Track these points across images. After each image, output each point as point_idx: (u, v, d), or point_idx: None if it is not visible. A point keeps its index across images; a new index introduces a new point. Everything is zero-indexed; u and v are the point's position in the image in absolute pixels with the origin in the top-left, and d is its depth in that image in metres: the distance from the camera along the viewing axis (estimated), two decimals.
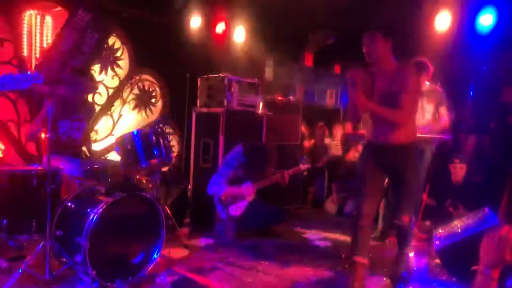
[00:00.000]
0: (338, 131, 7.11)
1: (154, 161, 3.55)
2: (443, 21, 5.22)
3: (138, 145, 3.50)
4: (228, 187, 4.48)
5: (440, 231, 4.00)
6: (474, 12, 5.03)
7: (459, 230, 3.80)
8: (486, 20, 4.93)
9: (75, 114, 3.92)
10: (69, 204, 3.24)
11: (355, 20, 6.32)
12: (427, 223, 4.75)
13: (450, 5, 5.18)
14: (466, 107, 6.18)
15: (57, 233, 3.12)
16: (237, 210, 4.53)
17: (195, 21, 6.11)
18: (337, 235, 4.84)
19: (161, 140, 3.61)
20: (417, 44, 5.44)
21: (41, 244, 3.01)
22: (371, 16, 6.02)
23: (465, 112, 5.95)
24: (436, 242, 3.85)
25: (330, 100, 9.30)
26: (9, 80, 2.71)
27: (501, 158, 4.90)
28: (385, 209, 4.80)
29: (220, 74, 5.02)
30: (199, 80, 5.18)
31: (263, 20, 6.46)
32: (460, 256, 3.57)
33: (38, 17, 4.99)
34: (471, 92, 6.40)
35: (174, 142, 6.38)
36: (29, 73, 2.68)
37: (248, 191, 4.58)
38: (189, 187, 5.12)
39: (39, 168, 3.35)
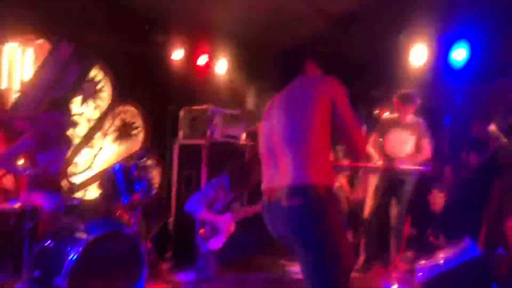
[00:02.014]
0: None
1: (136, 196, 3.52)
2: (418, 55, 5.39)
3: (120, 180, 3.47)
4: (206, 210, 4.36)
5: (422, 262, 4.03)
6: (448, 47, 5.21)
7: (442, 262, 3.83)
8: (460, 54, 5.11)
9: (53, 147, 3.87)
10: (48, 242, 3.16)
11: (334, 51, 6.52)
12: (410, 253, 4.79)
13: (424, 40, 5.36)
14: (443, 138, 6.33)
15: (35, 273, 3.03)
16: (216, 243, 4.46)
17: (177, 53, 6.16)
18: None
19: (142, 174, 3.59)
20: (392, 75, 5.60)
21: (18, 286, 2.92)
22: (348, 48, 6.24)
23: (442, 143, 6.10)
24: (419, 274, 3.86)
25: None
26: None
27: (477, 189, 5.01)
28: (366, 240, 4.82)
29: (203, 106, 5.04)
30: (181, 111, 5.19)
31: (245, 52, 6.57)
32: (443, 287, 3.59)
33: (19, 49, 4.96)
34: (447, 123, 6.57)
35: (155, 174, 6.32)
36: None
37: (227, 223, 4.50)
38: (171, 220, 5.05)
39: (17, 206, 3.28)
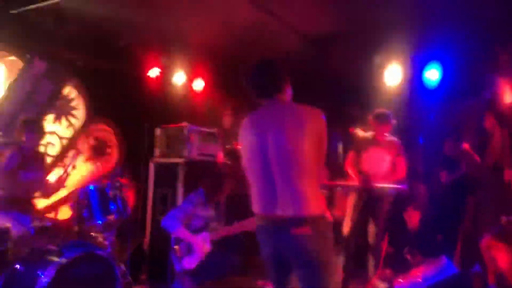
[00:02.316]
0: None
1: (110, 216, 3.42)
2: (392, 75, 5.51)
3: (94, 200, 3.38)
4: (183, 227, 4.24)
5: (400, 280, 4.05)
6: (421, 67, 5.36)
7: (420, 280, 3.86)
8: (433, 75, 5.26)
9: (31, 165, 3.76)
10: (18, 266, 3.02)
11: (309, 71, 6.61)
12: (387, 271, 4.80)
13: (398, 60, 5.50)
14: (418, 157, 6.46)
15: None
16: (191, 263, 4.35)
17: (153, 71, 6.11)
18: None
19: (118, 195, 3.50)
20: (369, 95, 5.70)
21: None
22: (324, 67, 6.34)
23: (416, 161, 6.21)
24: None
25: None
26: None
27: (451, 207, 5.10)
28: (345, 258, 4.81)
29: (179, 124, 4.99)
30: (157, 130, 5.12)
31: (222, 70, 6.58)
32: None
33: None
34: (421, 142, 6.71)
35: (130, 194, 6.19)
36: None
37: (203, 243, 4.40)
38: (145, 240, 4.93)
39: None
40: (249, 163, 2.37)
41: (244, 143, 2.39)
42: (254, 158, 2.31)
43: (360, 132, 5.47)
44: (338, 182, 5.16)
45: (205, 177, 4.38)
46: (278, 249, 2.30)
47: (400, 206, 5.02)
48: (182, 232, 4.17)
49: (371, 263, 4.75)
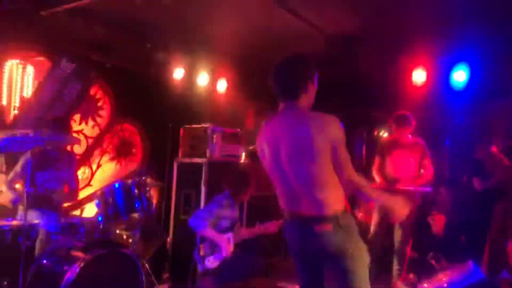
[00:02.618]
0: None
1: (135, 214, 3.46)
2: (419, 76, 5.42)
3: (120, 198, 3.42)
4: (209, 227, 4.27)
5: (425, 285, 3.97)
6: (449, 69, 5.25)
7: (445, 285, 3.77)
8: (460, 76, 5.15)
9: (52, 165, 3.83)
10: (44, 261, 3.10)
11: (336, 72, 6.56)
12: (411, 276, 4.72)
13: (425, 61, 5.40)
14: (444, 159, 6.33)
15: None
16: (213, 262, 4.37)
17: (177, 72, 6.17)
18: None
19: (143, 193, 3.54)
20: (395, 97, 5.62)
21: None
22: (351, 69, 6.28)
23: (442, 164, 6.08)
24: None
25: None
26: (12, 142, 2.70)
27: (478, 212, 4.97)
28: (369, 261, 4.74)
29: (203, 124, 5.03)
30: (181, 130, 5.17)
31: (245, 71, 6.59)
32: None
33: (20, 66, 4.96)
34: (447, 144, 6.58)
35: (154, 193, 6.26)
36: (31, 135, 2.66)
37: (226, 244, 4.42)
38: (168, 239, 4.97)
39: (14, 223, 3.21)
40: (268, 170, 2.48)
41: (260, 151, 2.49)
42: (271, 167, 2.42)
43: (384, 136, 5.40)
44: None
45: (230, 177, 4.39)
46: (304, 244, 2.39)
47: (425, 210, 4.93)
48: (208, 232, 4.21)
49: (395, 267, 4.68)
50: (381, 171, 4.75)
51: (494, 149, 4.48)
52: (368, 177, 4.96)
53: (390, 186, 4.55)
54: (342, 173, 2.31)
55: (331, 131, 2.26)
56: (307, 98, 2.40)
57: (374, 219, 4.72)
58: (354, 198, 6.15)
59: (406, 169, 4.63)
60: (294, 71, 2.39)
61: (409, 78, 5.45)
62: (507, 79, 4.72)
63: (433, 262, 4.79)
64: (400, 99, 5.54)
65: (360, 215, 5.92)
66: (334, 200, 2.29)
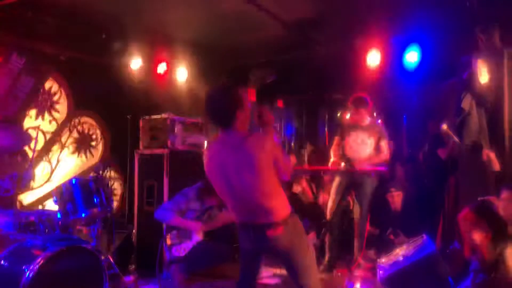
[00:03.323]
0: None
1: (94, 210, 3.46)
2: (373, 58, 5.56)
3: (77, 194, 3.41)
4: (176, 216, 4.31)
5: (383, 260, 4.14)
6: (402, 50, 5.40)
7: (401, 258, 3.95)
8: (412, 57, 5.31)
9: (7, 165, 3.76)
10: (2, 262, 3.06)
11: (294, 57, 6.63)
12: (372, 252, 4.91)
13: (379, 44, 5.54)
14: (401, 138, 6.53)
15: None
16: (181, 251, 4.42)
17: (135, 62, 6.09)
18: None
19: (101, 188, 3.53)
20: (350, 79, 5.75)
21: None
22: (307, 53, 6.36)
23: (400, 142, 6.29)
24: (380, 272, 3.97)
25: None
26: None
27: (433, 186, 5.19)
28: (331, 240, 4.90)
29: (162, 115, 5.00)
30: (141, 121, 5.14)
31: (205, 59, 6.57)
32: (403, 283, 3.71)
33: None
34: (405, 123, 6.79)
35: (116, 185, 6.22)
36: None
37: (196, 228, 4.47)
38: (134, 231, 4.98)
39: None
40: (218, 189, 2.72)
41: (208, 173, 2.72)
42: (221, 186, 2.66)
43: (344, 117, 5.54)
44: (321, 167, 5.23)
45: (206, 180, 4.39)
46: (256, 248, 2.71)
47: (383, 188, 5.11)
48: (176, 220, 4.23)
49: (355, 244, 4.86)
50: (339, 151, 4.89)
51: (444, 126, 4.67)
52: (329, 158, 5.11)
53: (348, 166, 4.70)
54: (286, 172, 2.62)
55: (268, 147, 2.52)
56: (240, 123, 2.59)
57: (332, 199, 4.87)
58: (319, 181, 6.32)
59: (363, 150, 4.78)
60: (221, 106, 2.57)
61: (363, 60, 5.58)
62: (455, 58, 4.89)
63: (391, 237, 4.98)
64: (357, 81, 5.68)
65: (323, 196, 6.07)
66: (281, 207, 2.61)
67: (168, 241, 4.34)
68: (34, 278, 2.83)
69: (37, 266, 2.87)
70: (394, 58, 5.52)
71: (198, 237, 4.50)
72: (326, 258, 4.86)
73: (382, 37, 5.46)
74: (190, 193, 4.37)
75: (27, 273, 2.84)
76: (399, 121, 6.76)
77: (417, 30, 5.27)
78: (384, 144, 4.82)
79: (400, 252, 4.11)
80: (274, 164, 2.54)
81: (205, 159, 2.71)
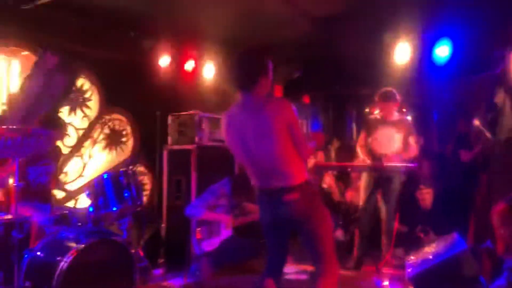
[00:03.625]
0: (310, 160, 7.20)
1: (125, 204, 3.54)
2: (402, 53, 5.47)
3: (109, 189, 3.49)
4: (207, 211, 4.40)
5: (412, 258, 4.09)
6: (431, 44, 5.29)
7: (430, 256, 3.89)
8: (443, 51, 5.19)
9: (44, 159, 3.89)
10: (38, 253, 3.18)
11: (320, 52, 6.58)
12: (400, 250, 4.85)
13: (408, 37, 5.44)
14: (430, 134, 6.41)
15: (26, 284, 3.04)
16: (211, 245, 4.49)
17: (163, 60, 6.18)
18: (312, 266, 4.85)
19: (132, 182, 3.61)
20: (378, 74, 5.67)
21: None
22: (334, 48, 6.30)
23: (429, 139, 6.17)
24: (409, 270, 3.92)
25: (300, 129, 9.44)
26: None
27: (463, 184, 5.07)
28: (359, 238, 4.86)
29: (190, 111, 5.07)
30: (169, 117, 5.22)
31: (232, 55, 6.60)
32: (432, 282, 3.65)
33: (5, 61, 4.97)
34: (435, 119, 6.66)
35: (146, 180, 6.34)
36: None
37: (227, 222, 4.53)
38: (163, 225, 5.07)
39: (7, 217, 3.29)
40: (236, 154, 2.81)
41: (227, 139, 2.78)
42: (239, 152, 2.72)
43: (372, 113, 5.47)
44: (348, 164, 5.19)
45: (237, 174, 4.46)
46: (274, 215, 2.72)
47: (412, 185, 5.03)
48: (207, 214, 4.32)
49: (383, 242, 4.80)
50: (366, 147, 4.83)
51: (476, 122, 4.56)
52: (356, 154, 5.07)
53: (375, 163, 4.64)
54: (304, 151, 2.66)
55: (285, 113, 2.56)
56: (261, 90, 2.63)
57: (362, 196, 4.83)
58: (346, 178, 6.27)
59: (391, 146, 4.71)
60: (247, 69, 2.62)
61: (392, 55, 5.49)
62: (488, 52, 4.76)
63: (421, 235, 4.91)
64: (385, 77, 5.59)
65: (350, 193, 6.03)
66: (297, 172, 2.63)
67: (198, 235, 4.42)
68: (68, 269, 2.93)
69: (70, 257, 2.98)
70: (423, 52, 5.42)
71: (227, 232, 4.57)
72: (354, 255, 4.83)
73: (412, 31, 5.35)
74: (218, 190, 4.44)
75: (61, 264, 2.94)
76: (429, 117, 6.63)
77: (448, 24, 5.14)
78: (412, 140, 4.74)
79: (429, 250, 4.05)
80: (291, 134, 2.56)
81: (223, 123, 2.76)
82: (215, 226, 4.51)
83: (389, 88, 4.79)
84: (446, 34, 5.22)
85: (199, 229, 4.44)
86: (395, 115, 4.80)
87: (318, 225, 2.67)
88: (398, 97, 4.73)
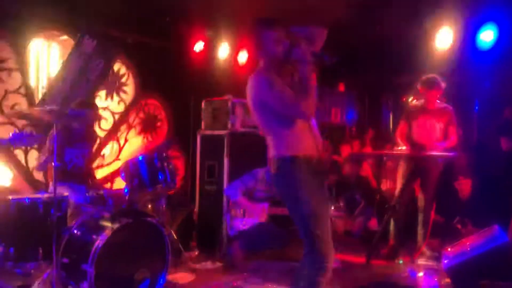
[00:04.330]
0: (345, 149, 7.10)
1: (159, 186, 3.58)
2: (444, 38, 5.25)
3: (143, 171, 3.54)
4: (243, 197, 4.42)
5: (449, 249, 3.97)
6: (475, 29, 5.06)
7: (468, 249, 3.76)
8: (487, 36, 4.96)
9: (80, 141, 3.97)
10: (75, 231, 3.26)
11: (357, 38, 6.41)
12: (436, 241, 4.72)
13: (450, 22, 5.21)
14: (471, 124, 6.17)
15: (63, 260, 3.12)
16: (244, 224, 4.50)
17: (198, 45, 6.20)
18: (345, 255, 4.79)
19: (165, 165, 3.64)
20: (417, 61, 5.47)
21: (47, 272, 3.02)
22: (372, 34, 6.12)
23: (469, 129, 5.94)
24: (445, 261, 3.81)
25: (335, 118, 9.32)
26: (19, 138, 3.21)
27: (504, 175, 4.86)
28: (394, 227, 4.75)
29: (224, 97, 5.06)
30: (203, 103, 5.23)
31: None
32: (470, 274, 3.53)
33: (45, 46, 5.10)
34: (476, 108, 6.40)
35: (179, 165, 6.41)
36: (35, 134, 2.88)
37: (260, 212, 4.54)
38: (195, 209, 5.12)
39: (46, 196, 3.38)
40: None
41: None
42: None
43: (413, 101, 5.30)
44: (383, 152, 5.06)
45: None
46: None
47: (450, 175, 4.86)
48: (242, 200, 4.35)
49: (419, 231, 4.68)
50: (405, 136, 4.69)
51: None
52: (393, 142, 4.93)
53: (415, 151, 4.50)
54: (280, 121, 2.50)
55: (253, 92, 2.50)
56: (258, 63, 2.62)
57: (398, 185, 4.70)
58: (381, 167, 6.14)
59: (431, 135, 4.56)
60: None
61: (433, 40, 5.29)
62: None
63: (459, 226, 4.77)
64: (426, 64, 5.40)
65: (386, 182, 5.91)
66: (278, 145, 2.51)
67: (233, 213, 4.45)
68: (103, 247, 2.99)
69: (105, 236, 3.03)
70: (467, 37, 5.19)
71: (264, 218, 4.57)
72: (389, 245, 4.73)
73: (454, 15, 5.12)
74: (259, 174, 4.45)
75: (97, 242, 3.00)
76: (470, 106, 6.38)
77: (494, 7, 4.89)
78: (452, 130, 4.57)
79: (467, 242, 3.92)
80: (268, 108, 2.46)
81: None
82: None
83: (432, 75, 4.60)
84: (491, 18, 4.97)
85: (234, 208, 4.47)
86: (436, 104, 4.62)
87: (297, 207, 2.46)
88: (442, 84, 4.55)
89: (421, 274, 4.17)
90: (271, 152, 2.52)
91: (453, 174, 4.92)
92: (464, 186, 4.84)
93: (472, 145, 5.88)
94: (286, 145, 2.49)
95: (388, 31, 5.82)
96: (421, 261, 4.46)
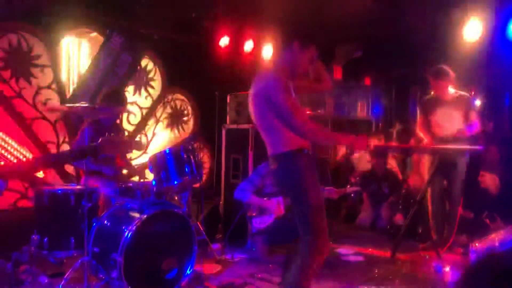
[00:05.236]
0: (371, 143, 7.02)
1: (185, 178, 3.65)
2: (473, 30, 5.14)
3: (170, 163, 3.61)
4: (254, 196, 4.46)
5: (476, 244, 3.90)
6: (505, 20, 4.93)
7: (497, 244, 3.69)
8: None
9: (109, 134, 4.07)
10: (105, 221, 3.37)
11: (383, 31, 6.33)
12: (463, 236, 4.65)
13: (479, 13, 5.09)
14: (502, 118, 6.03)
15: (94, 249, 3.24)
16: (261, 223, 4.53)
17: (223, 40, 6.25)
18: (370, 249, 4.78)
19: (192, 158, 3.71)
20: (445, 54, 5.37)
21: (79, 261, 3.14)
22: (398, 26, 6.03)
23: (500, 122, 5.80)
24: (473, 256, 3.75)
25: (361, 112, 9.23)
26: None
27: None
28: (420, 222, 4.70)
29: (248, 91, 5.09)
30: (228, 97, 5.29)
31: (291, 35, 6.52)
32: (497, 269, 3.47)
33: (76, 43, 5.25)
34: (507, 101, 6.25)
35: (205, 159, 6.51)
36: None
37: (276, 207, 4.56)
38: (221, 202, 5.19)
39: (77, 187, 3.51)
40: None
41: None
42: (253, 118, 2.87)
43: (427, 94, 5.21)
44: (406, 145, 5.00)
45: None
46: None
47: (478, 170, 4.77)
48: (254, 200, 4.39)
49: (446, 227, 4.62)
50: (426, 129, 4.62)
51: None
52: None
53: (437, 145, 4.43)
54: (284, 121, 2.63)
55: (268, 86, 2.64)
56: (281, 64, 2.81)
57: (424, 179, 4.65)
58: (407, 161, 6.06)
59: (452, 125, 4.48)
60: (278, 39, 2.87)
61: (461, 32, 5.18)
62: None
63: (487, 222, 4.67)
64: (454, 56, 5.29)
65: (412, 177, 5.83)
66: (278, 142, 2.66)
67: (249, 213, 4.49)
68: (132, 238, 3.08)
69: (134, 227, 3.12)
70: (496, 29, 5.06)
71: (281, 211, 4.59)
72: (415, 239, 4.69)
73: (484, 6, 5.01)
74: (263, 169, 4.49)
75: (127, 233, 3.10)
76: (501, 99, 6.22)
77: None
78: (473, 115, 4.47)
79: (496, 237, 3.84)
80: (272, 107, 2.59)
81: None
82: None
83: (440, 65, 4.53)
84: None
85: (250, 207, 4.51)
86: (450, 93, 4.54)
87: (297, 198, 2.66)
88: (451, 74, 4.46)
89: (447, 268, 4.12)
90: (272, 148, 2.68)
91: (480, 168, 4.81)
92: (488, 181, 4.73)
93: (504, 138, 5.73)
94: (287, 140, 2.64)
95: (416, 23, 5.72)
96: (447, 256, 4.41)
